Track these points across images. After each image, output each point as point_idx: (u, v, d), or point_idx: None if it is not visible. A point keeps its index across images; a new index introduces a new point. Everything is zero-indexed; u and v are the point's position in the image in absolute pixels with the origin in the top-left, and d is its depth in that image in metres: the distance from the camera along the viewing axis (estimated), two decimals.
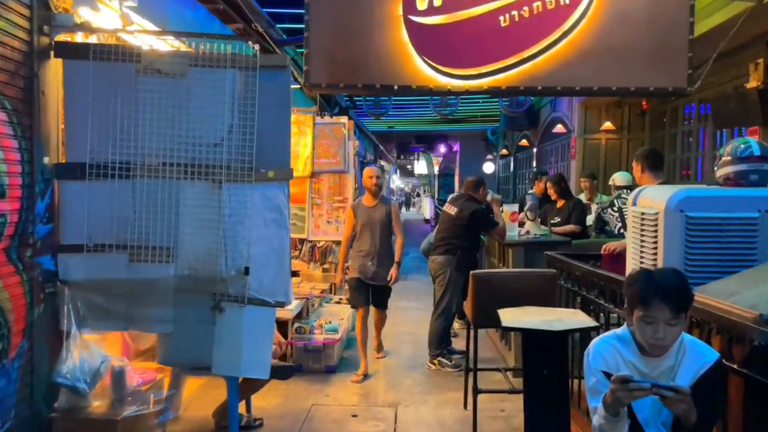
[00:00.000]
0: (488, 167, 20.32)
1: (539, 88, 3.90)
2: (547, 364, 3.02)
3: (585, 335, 3.10)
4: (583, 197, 6.91)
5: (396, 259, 5.18)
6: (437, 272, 4.99)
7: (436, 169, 23.96)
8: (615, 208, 5.54)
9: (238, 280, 3.46)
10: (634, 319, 1.99)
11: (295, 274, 7.62)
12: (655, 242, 2.83)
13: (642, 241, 2.97)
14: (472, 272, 3.71)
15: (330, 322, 5.34)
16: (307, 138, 6.64)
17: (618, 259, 3.76)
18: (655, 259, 2.83)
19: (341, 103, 11.68)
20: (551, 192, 5.78)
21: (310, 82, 3.96)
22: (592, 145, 10.28)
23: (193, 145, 3.51)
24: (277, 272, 3.58)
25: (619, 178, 5.88)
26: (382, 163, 28.12)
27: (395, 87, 3.86)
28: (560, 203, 5.76)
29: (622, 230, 5.45)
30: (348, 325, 5.87)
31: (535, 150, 13.79)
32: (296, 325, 5.03)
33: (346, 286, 5.77)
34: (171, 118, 3.50)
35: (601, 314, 3.29)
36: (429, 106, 14.69)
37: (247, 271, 3.45)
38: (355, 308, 5.33)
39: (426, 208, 27.16)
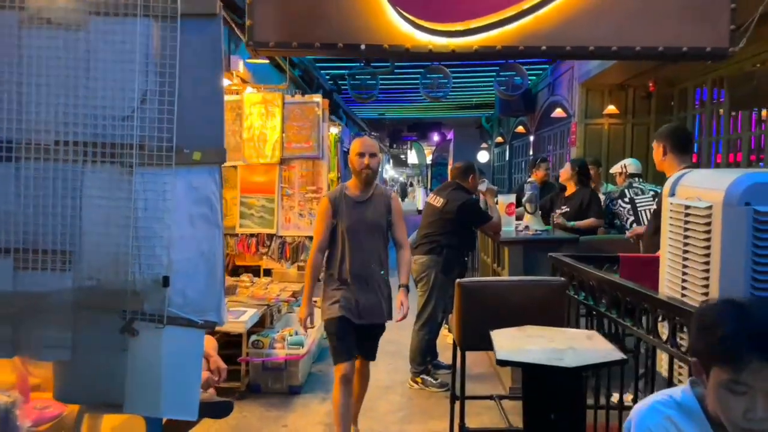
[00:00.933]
0: (483, 156, 19.53)
1: (543, 48, 3.10)
2: (556, 407, 2.25)
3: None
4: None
5: (402, 281, 3.59)
6: (419, 275, 4.21)
7: (429, 158, 23.15)
8: (626, 199, 4.78)
9: (156, 294, 2.66)
10: (711, 381, 1.21)
11: (267, 273, 6.85)
12: (708, 246, 2.05)
13: (686, 243, 2.19)
14: (458, 281, 2.93)
15: (295, 333, 4.56)
16: (275, 120, 5.83)
17: (643, 263, 2.99)
18: (707, 270, 2.06)
19: (325, 85, 10.84)
20: (567, 178, 4.98)
21: (254, 40, 3.16)
22: (593, 130, 9.50)
23: (95, 118, 2.70)
24: (207, 283, 2.78)
25: (630, 164, 5.11)
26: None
27: (362, 47, 3.06)
28: (570, 191, 4.98)
29: (634, 224, 4.69)
30: (319, 335, 5.09)
31: (532, 137, 13.00)
32: (253, 338, 4.25)
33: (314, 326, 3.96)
34: (66, 82, 2.67)
35: (622, 336, 2.51)
36: (420, 91, 13.90)
37: (166, 281, 2.65)
38: (337, 363, 3.54)
39: (419, 198, 26.37)
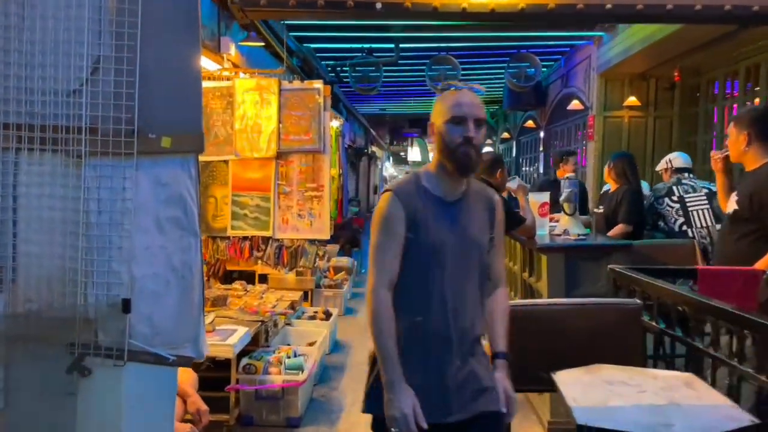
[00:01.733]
0: (486, 153, 18.93)
1: (608, 6, 2.47)
2: None
3: None
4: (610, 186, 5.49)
5: (499, 346, 2.07)
6: None
7: (431, 155, 22.54)
8: (675, 198, 4.17)
9: (114, 322, 2.05)
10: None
11: (263, 279, 6.23)
12: None
13: None
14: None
15: (293, 354, 3.94)
16: (271, 108, 5.20)
17: (728, 278, 2.38)
18: None
19: (325, 76, 10.20)
20: (612, 175, 4.33)
21: None
22: (613, 123, 8.89)
23: (32, 93, 2.09)
24: (181, 307, 2.16)
25: (676, 158, 4.49)
26: (374, 149, 26.65)
27: (377, 5, 2.43)
28: (612, 188, 4.34)
29: (684, 226, 4.07)
30: (321, 353, 4.47)
31: (542, 132, 12.38)
32: (244, 361, 3.62)
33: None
34: None
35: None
36: (423, 83, 13.26)
37: (127, 306, 2.04)
38: None
39: None
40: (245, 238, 5.31)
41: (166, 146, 2.07)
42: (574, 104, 9.45)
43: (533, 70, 9.65)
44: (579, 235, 3.51)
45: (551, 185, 5.43)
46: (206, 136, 5.53)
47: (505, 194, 3.83)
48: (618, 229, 3.96)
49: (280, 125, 5.19)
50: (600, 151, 8.78)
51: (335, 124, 8.45)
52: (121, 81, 2.04)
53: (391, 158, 40.85)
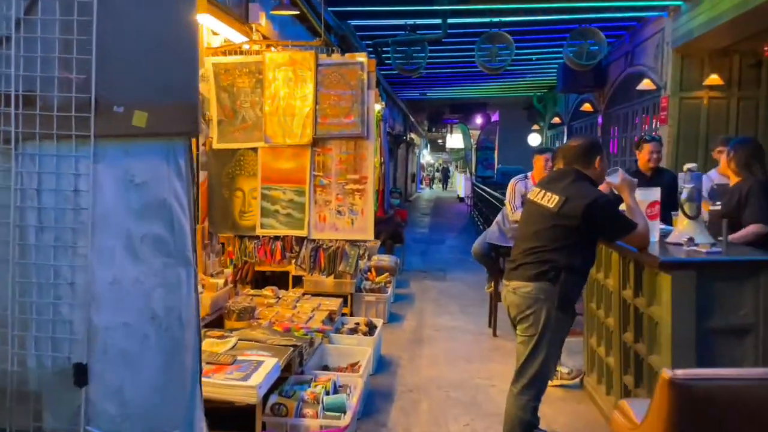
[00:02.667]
0: (534, 139, 17.83)
1: None
2: None
3: None
4: (715, 175, 4.52)
5: None
6: (522, 311, 2.77)
7: (474, 141, 21.52)
8: None
9: (64, 397, 1.33)
10: None
11: (297, 281, 5.50)
12: None
13: None
14: (670, 376, 1.51)
15: (333, 387, 3.19)
16: (306, 87, 4.44)
17: None
18: None
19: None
20: (732, 165, 3.43)
21: None
22: (690, 105, 7.86)
23: None
24: (165, 375, 1.43)
25: None
26: (413, 136, 25.78)
27: None
28: (732, 181, 3.44)
29: None
30: (366, 378, 3.72)
31: (600, 117, 11.34)
32: (272, 399, 2.89)
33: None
34: None
35: None
36: (470, 64, 12.33)
37: (82, 373, 1.32)
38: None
39: (460, 185, 24.77)
40: (276, 238, 4.59)
41: (140, 125, 1.32)
42: (645, 84, 8.43)
43: (597, 47, 8.67)
44: (711, 246, 2.65)
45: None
46: (232, 120, 4.82)
47: (605, 188, 2.98)
48: (751, 229, 3.08)
49: (317, 106, 4.43)
50: (674, 136, 7.78)
51: (377, 107, 7.67)
52: (70, 23, 1.30)
53: (428, 145, 39.88)
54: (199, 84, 1.47)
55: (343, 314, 5.38)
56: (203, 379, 2.64)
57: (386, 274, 6.31)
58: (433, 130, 28.36)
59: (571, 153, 2.92)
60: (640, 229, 2.71)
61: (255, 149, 4.57)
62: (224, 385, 2.57)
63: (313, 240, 4.57)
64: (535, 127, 18.14)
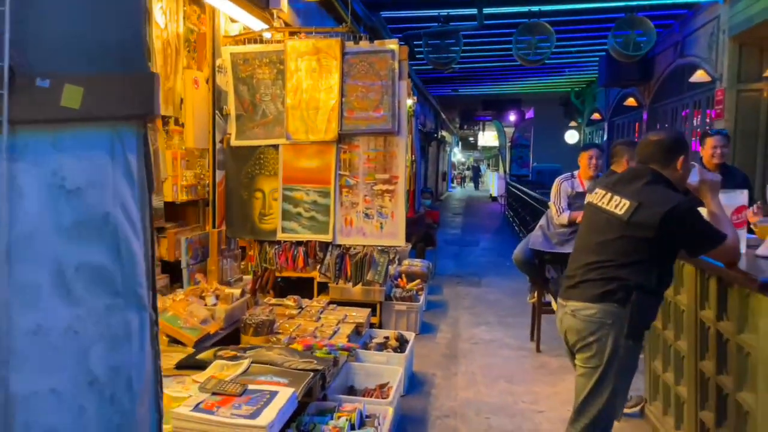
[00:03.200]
0: (571, 136, 17.19)
1: None
2: None
3: None
4: None
5: None
6: (585, 338, 2.31)
7: (508, 139, 20.87)
8: None
9: None
10: None
11: (322, 287, 5.12)
12: None
13: None
14: None
15: (358, 419, 2.78)
16: (331, 77, 4.04)
17: None
18: None
19: None
20: None
21: None
22: (749, 99, 7.23)
23: None
24: None
25: None
26: (444, 133, 25.24)
27: None
28: None
29: None
30: (396, 403, 3.29)
31: (645, 112, 10.70)
32: None
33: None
34: None
35: None
36: (505, 58, 11.80)
37: None
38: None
39: (493, 184, 24.15)
40: (299, 243, 4.19)
41: (73, 105, 0.92)
42: (698, 75, 7.81)
43: (645, 37, 8.09)
44: None
45: None
46: (252, 115, 4.44)
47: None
48: None
49: (343, 99, 4.03)
50: (731, 132, 7.15)
51: (408, 102, 7.24)
52: None
53: (460, 143, 39.24)
54: (146, 46, 1.06)
55: (372, 324, 4.98)
56: (206, 415, 2.26)
57: (418, 280, 5.87)
58: (465, 127, 27.75)
59: (648, 149, 2.43)
60: (730, 242, 2.23)
61: (276, 146, 4.19)
62: (229, 424, 2.18)
63: (339, 246, 4.16)
64: (573, 123, 17.47)
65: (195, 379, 2.67)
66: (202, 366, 2.84)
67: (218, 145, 4.22)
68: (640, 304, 2.26)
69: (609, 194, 2.40)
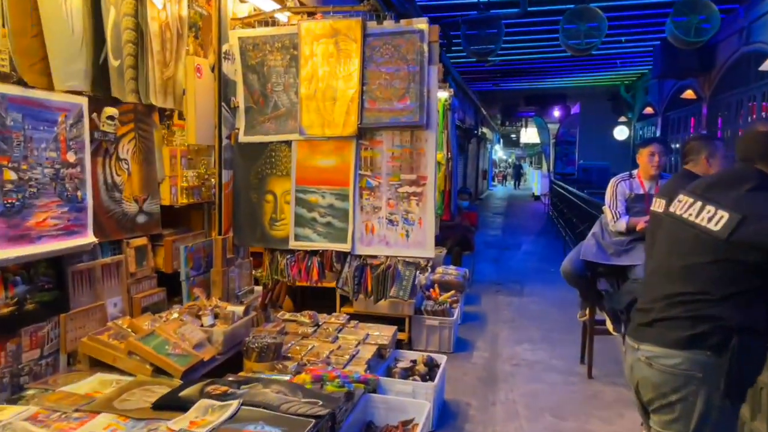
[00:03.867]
0: (620, 132, 16.26)
1: None
2: None
3: None
4: None
5: None
6: (666, 395, 1.73)
7: (552, 135, 19.99)
8: None
9: None
10: None
11: (346, 299, 4.62)
12: None
13: None
14: None
15: None
16: (350, 63, 3.53)
17: None
18: None
19: None
20: None
21: None
22: None
23: None
24: None
25: None
26: (484, 130, 24.45)
27: None
28: None
29: None
30: None
31: (704, 105, 9.83)
32: None
33: None
34: None
35: None
36: (551, 48, 11.07)
37: None
38: None
39: (536, 182, 23.26)
40: (314, 252, 3.69)
41: None
42: None
43: (708, 23, 7.31)
44: None
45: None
46: (262, 107, 3.92)
47: None
48: None
49: (364, 87, 3.50)
50: None
51: (443, 95, 6.67)
52: None
53: (501, 140, 38.24)
54: None
55: (399, 342, 4.46)
56: None
57: (453, 291, 5.31)
58: (507, 123, 26.88)
59: (755, 144, 1.82)
60: None
61: (288, 143, 3.70)
62: None
63: (359, 256, 3.63)
64: (622, 119, 16.52)
65: (170, 427, 2.18)
66: (183, 406, 2.36)
67: (225, 142, 3.75)
68: (742, 352, 1.67)
69: (698, 203, 1.80)
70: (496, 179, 37.16)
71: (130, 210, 3.18)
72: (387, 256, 3.65)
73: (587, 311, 4.33)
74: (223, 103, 3.74)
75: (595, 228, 4.24)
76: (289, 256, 3.73)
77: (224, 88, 3.75)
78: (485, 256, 9.29)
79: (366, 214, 3.60)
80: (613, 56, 12.29)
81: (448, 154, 6.72)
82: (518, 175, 33.54)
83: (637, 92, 15.19)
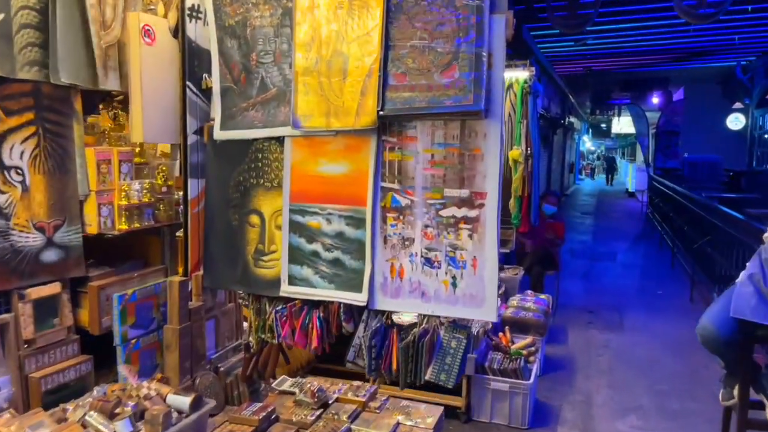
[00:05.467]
0: (735, 121, 14.02)
1: None
2: None
3: None
4: None
5: None
6: None
7: (653, 125, 17.76)
8: None
9: None
10: None
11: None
12: None
13: None
14: None
15: None
16: (369, 16, 2.30)
17: None
18: None
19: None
20: None
21: None
22: None
23: None
24: None
25: None
26: (572, 119, 22.37)
27: None
28: None
29: None
30: None
31: None
32: None
33: None
34: None
35: None
36: (657, 19, 9.30)
37: None
38: None
39: (630, 177, 21.03)
40: (315, 303, 2.48)
41: None
42: None
43: None
44: None
45: None
46: (244, 87, 2.27)
47: None
48: None
49: (389, 54, 2.25)
50: None
51: (522, 74, 5.26)
52: None
53: (590, 130, 35.54)
54: None
55: (453, 410, 3.20)
56: None
57: (530, 339, 3.94)
58: (597, 112, 24.57)
59: None
60: None
61: (278, 139, 2.50)
62: None
63: (380, 313, 2.39)
64: (737, 105, 14.23)
65: None
66: None
67: (192, 139, 2.61)
68: None
69: None
70: (583, 172, 34.61)
71: (28, 243, 2.11)
72: (423, 316, 2.37)
73: (736, 392, 2.85)
74: (189, 84, 2.59)
75: (752, 268, 2.75)
76: (280, 306, 2.54)
77: (191, 60, 2.61)
78: (572, 269, 7.78)
79: (391, 248, 2.35)
80: (730, 30, 10.28)
81: (527, 151, 5.30)
82: (611, 168, 30.46)
83: (756, 74, 12.93)
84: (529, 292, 5.06)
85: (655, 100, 18.47)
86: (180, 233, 2.60)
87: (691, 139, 15.55)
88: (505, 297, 4.79)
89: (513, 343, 3.89)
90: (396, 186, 2.34)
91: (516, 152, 5.12)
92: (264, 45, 2.52)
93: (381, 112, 2.26)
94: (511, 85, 5.37)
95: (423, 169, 2.31)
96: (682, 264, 8.06)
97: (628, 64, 14.24)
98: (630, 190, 20.52)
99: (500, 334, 3.97)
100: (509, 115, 5.36)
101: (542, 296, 4.87)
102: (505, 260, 5.81)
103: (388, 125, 2.33)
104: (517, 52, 7.44)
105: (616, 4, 7.66)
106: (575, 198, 20.39)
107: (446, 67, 2.20)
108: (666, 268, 8.15)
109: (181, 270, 2.64)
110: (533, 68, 5.43)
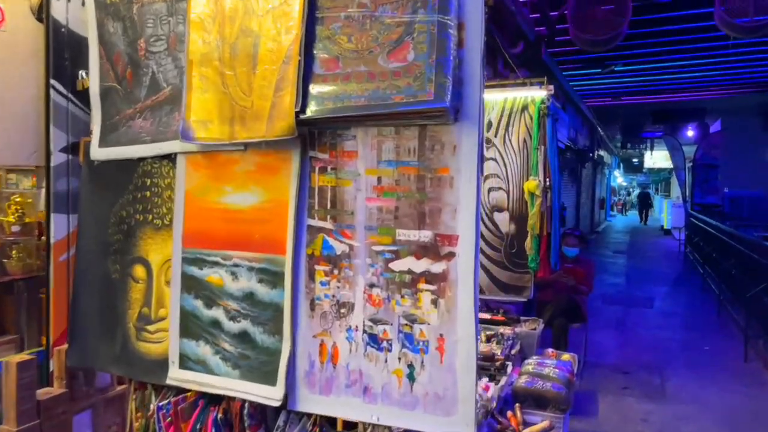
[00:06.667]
0: None
1: None
2: None
3: None
4: None
5: None
6: None
7: (689, 158, 16.70)
8: None
9: None
10: None
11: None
12: None
13: None
14: None
15: None
16: None
17: None
18: None
19: (527, 32, 6.19)
20: None
21: None
22: None
23: None
24: None
25: None
26: (602, 153, 21.40)
27: None
28: None
29: None
30: None
31: None
32: None
33: None
34: None
35: None
36: (692, 41, 8.49)
37: None
38: None
39: (666, 214, 19.84)
40: (213, 398, 1.69)
41: None
42: None
43: None
44: None
45: None
46: (130, 87, 1.65)
47: None
48: None
49: (316, 30, 1.50)
50: None
51: (538, 93, 4.48)
52: None
53: (621, 165, 34.36)
54: None
55: None
56: None
57: (547, 422, 3.06)
58: (628, 146, 23.54)
59: None
60: None
61: (171, 158, 1.76)
62: None
63: (302, 416, 1.59)
64: None
65: None
66: None
67: (59, 160, 1.89)
68: None
69: None
70: (615, 208, 33.30)
71: None
72: (365, 425, 1.56)
73: None
74: (55, 83, 1.89)
75: None
76: (167, 400, 1.75)
77: (60, 52, 1.90)
78: (603, 317, 6.83)
79: (321, 318, 1.57)
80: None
81: (546, 182, 4.49)
82: (645, 204, 27.08)
83: None
84: (549, 351, 4.16)
85: (690, 132, 17.46)
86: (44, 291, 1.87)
87: (731, 173, 14.48)
88: (520, 358, 3.91)
89: (525, 424, 3.02)
90: (328, 225, 1.57)
91: (532, 183, 4.32)
92: (155, 27, 1.81)
93: (303, 116, 1.51)
94: (526, 107, 4.62)
95: (366, 200, 1.53)
96: (730, 313, 7.05)
97: (665, 89, 13.38)
98: (666, 227, 19.32)
99: (509, 413, 3.10)
100: (524, 140, 4.61)
101: (565, 357, 3.97)
102: (522, 311, 4.94)
103: (317, 135, 1.58)
104: (534, 74, 6.70)
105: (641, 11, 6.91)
106: (607, 235, 19.28)
107: (396, 45, 1.45)
108: (712, 318, 7.13)
109: (44, 341, 1.90)
110: (551, 86, 4.65)
